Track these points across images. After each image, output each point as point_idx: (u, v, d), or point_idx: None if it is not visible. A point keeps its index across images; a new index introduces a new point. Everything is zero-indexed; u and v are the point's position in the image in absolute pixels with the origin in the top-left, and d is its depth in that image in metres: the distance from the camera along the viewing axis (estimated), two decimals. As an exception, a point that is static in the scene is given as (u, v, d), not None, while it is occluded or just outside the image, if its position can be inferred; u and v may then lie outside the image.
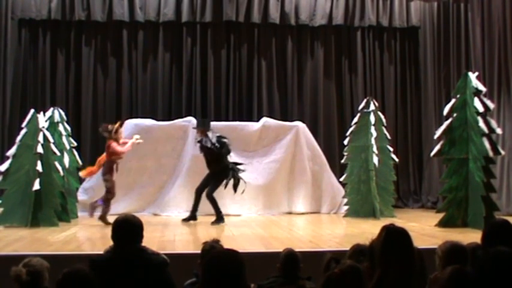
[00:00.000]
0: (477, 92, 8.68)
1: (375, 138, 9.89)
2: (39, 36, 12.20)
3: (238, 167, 9.37)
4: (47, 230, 8.09)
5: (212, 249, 3.89)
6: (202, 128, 9.32)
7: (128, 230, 3.64)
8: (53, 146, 8.78)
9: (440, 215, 8.83)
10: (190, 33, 12.51)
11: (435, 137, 9.29)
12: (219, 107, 12.44)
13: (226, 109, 12.49)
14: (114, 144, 8.87)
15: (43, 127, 8.72)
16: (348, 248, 3.82)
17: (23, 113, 10.18)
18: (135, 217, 3.76)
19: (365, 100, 10.43)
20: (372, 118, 10.02)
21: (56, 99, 11.99)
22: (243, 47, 12.63)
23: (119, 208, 10.02)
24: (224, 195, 9.98)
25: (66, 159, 9.33)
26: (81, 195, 10.18)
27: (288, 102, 12.68)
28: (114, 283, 3.48)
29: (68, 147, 9.52)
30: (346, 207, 10.20)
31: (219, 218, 9.06)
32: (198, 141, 9.29)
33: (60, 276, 3.14)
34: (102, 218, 8.83)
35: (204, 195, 9.14)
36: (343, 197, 10.34)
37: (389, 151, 10.31)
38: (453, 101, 8.96)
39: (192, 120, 10.84)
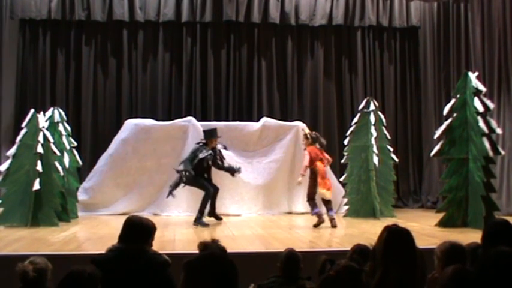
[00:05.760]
0: (477, 92, 8.67)
1: (375, 138, 9.90)
2: (39, 36, 12.20)
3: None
4: (47, 230, 8.09)
5: (205, 249, 3.79)
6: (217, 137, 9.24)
7: (136, 230, 3.65)
8: (53, 146, 8.78)
9: (440, 215, 8.83)
10: (190, 33, 12.50)
11: (435, 137, 9.29)
12: (219, 107, 12.43)
13: (226, 109, 12.48)
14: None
15: (43, 127, 8.72)
16: (348, 248, 3.82)
17: (23, 113, 10.18)
18: (149, 220, 3.79)
19: (365, 100, 10.43)
20: (372, 118, 10.02)
21: (56, 99, 11.98)
22: (243, 47, 12.62)
23: (118, 208, 10.05)
24: (224, 195, 9.98)
25: (66, 159, 9.33)
26: (81, 195, 10.17)
27: (288, 102, 12.67)
28: (116, 283, 3.48)
29: (68, 147, 9.51)
30: (346, 207, 10.21)
31: None
32: (213, 151, 9.11)
33: (66, 274, 3.12)
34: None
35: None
36: (343, 197, 10.34)
37: (389, 151, 10.31)
38: (453, 101, 8.96)
39: (192, 120, 10.83)
